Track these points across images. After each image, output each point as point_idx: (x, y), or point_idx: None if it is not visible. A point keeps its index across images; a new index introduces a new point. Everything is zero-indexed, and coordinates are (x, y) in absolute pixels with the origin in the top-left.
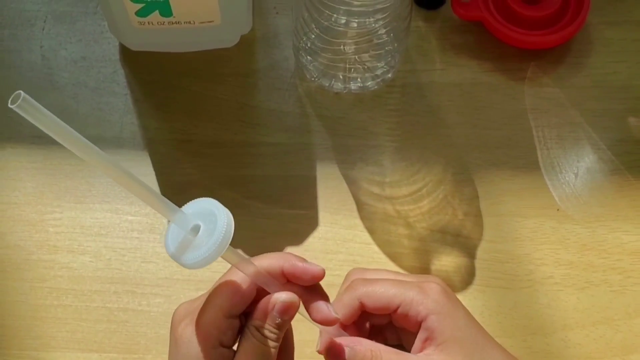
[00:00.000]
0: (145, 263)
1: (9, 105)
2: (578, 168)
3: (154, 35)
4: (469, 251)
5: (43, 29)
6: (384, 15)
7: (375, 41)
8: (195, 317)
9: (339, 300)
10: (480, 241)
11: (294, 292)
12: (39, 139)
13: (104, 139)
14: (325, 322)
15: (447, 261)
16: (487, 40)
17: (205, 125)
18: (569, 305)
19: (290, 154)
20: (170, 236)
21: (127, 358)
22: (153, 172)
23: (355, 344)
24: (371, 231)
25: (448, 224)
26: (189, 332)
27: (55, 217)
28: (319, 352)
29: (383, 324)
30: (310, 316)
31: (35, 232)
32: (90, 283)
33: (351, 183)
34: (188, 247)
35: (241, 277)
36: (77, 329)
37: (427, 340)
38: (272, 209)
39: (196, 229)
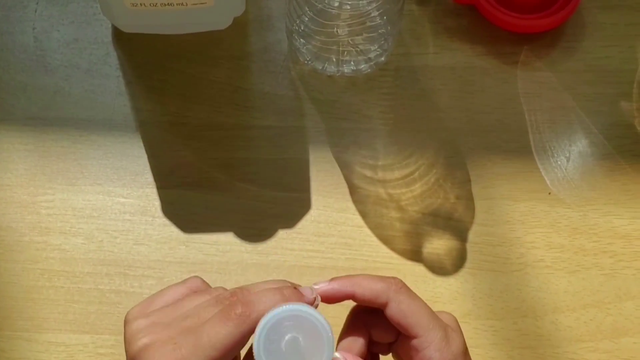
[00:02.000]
0: (137, 245)
1: None
2: (570, 152)
3: (146, 17)
4: (461, 234)
5: (35, 11)
6: None
7: (369, 24)
8: (155, 337)
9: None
10: (471, 224)
11: None
12: (32, 121)
13: (96, 121)
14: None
15: (438, 244)
16: (480, 24)
17: (198, 108)
18: (559, 288)
19: (283, 137)
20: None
21: (118, 339)
22: (145, 155)
23: None
24: (363, 214)
25: (440, 207)
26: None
27: (48, 199)
28: None
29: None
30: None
31: (27, 214)
32: (82, 265)
33: (344, 166)
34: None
35: (241, 332)
36: (69, 310)
37: None
38: (264, 191)
39: (293, 342)
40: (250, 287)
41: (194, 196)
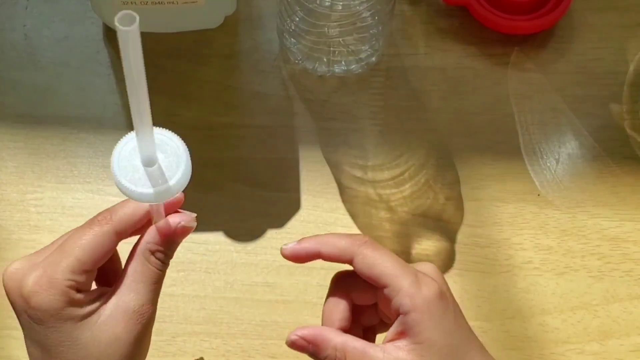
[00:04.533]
0: (126, 244)
1: (117, 24)
2: (559, 154)
3: (137, 15)
4: (450, 235)
5: (26, 8)
6: None
7: (360, 24)
8: (52, 271)
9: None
10: (460, 225)
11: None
12: (22, 118)
13: (87, 119)
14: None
15: (427, 245)
16: (471, 25)
17: (188, 107)
18: (547, 290)
19: (273, 136)
20: (117, 157)
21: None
22: None
23: (319, 338)
24: (353, 215)
25: (429, 208)
26: (45, 286)
27: (37, 197)
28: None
29: (367, 304)
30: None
31: (16, 212)
32: None
33: (334, 166)
34: (140, 175)
35: (106, 233)
36: None
37: (402, 334)
38: (254, 191)
39: (153, 160)
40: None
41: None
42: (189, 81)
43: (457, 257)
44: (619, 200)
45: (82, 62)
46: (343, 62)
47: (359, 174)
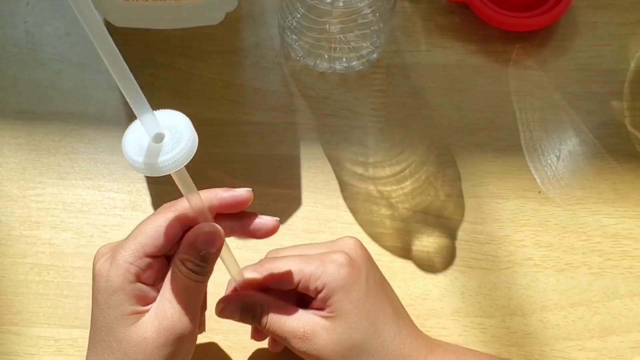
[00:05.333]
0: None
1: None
2: (560, 151)
3: (138, 11)
4: (450, 232)
5: (27, 4)
6: None
7: (361, 21)
8: (115, 253)
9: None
10: (461, 222)
11: (225, 227)
12: (23, 115)
13: (88, 116)
14: (268, 233)
15: (428, 242)
16: (472, 22)
17: (189, 103)
18: (548, 286)
19: (275, 133)
20: (129, 138)
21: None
22: None
23: (246, 297)
24: (354, 211)
25: (430, 205)
26: (107, 267)
27: (38, 193)
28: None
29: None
30: (253, 235)
31: (17, 208)
32: (72, 259)
33: (335, 163)
34: (148, 153)
35: (168, 219)
36: (59, 304)
37: (320, 308)
38: (255, 187)
39: (160, 136)
40: None
41: None
42: (190, 78)
43: (458, 253)
44: (619, 197)
45: (83, 59)
46: (344, 59)
47: (360, 170)
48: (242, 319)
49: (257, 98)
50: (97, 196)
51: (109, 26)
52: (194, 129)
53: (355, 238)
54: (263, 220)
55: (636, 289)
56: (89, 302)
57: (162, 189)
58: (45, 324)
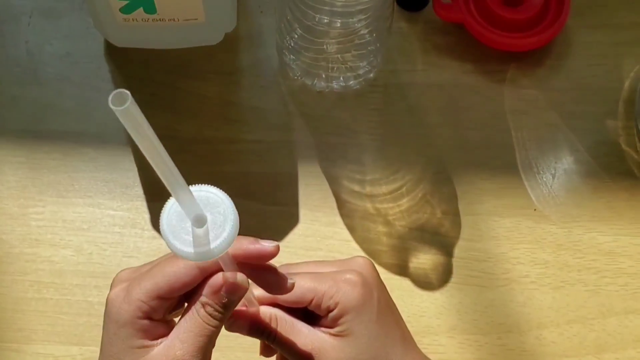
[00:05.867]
0: (127, 258)
1: (110, 105)
2: (555, 169)
3: (138, 31)
4: (447, 249)
5: (28, 24)
6: (366, 16)
7: (358, 41)
8: (131, 287)
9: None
10: (457, 240)
11: (245, 273)
12: (23, 133)
13: (88, 135)
14: (283, 292)
15: (425, 259)
16: (468, 42)
17: (188, 122)
18: (544, 304)
19: (272, 151)
20: (166, 219)
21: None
22: (135, 168)
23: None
24: (351, 229)
25: (427, 222)
26: (121, 298)
27: (38, 211)
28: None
29: None
30: (267, 291)
31: (17, 226)
32: (71, 277)
33: (332, 181)
34: (188, 237)
35: (189, 266)
36: (58, 322)
37: (330, 326)
38: (253, 205)
39: (200, 219)
40: None
41: None
42: (190, 97)
43: (455, 271)
44: (614, 215)
45: (83, 78)
46: (341, 78)
47: (357, 188)
48: (250, 334)
49: (256, 117)
50: (97, 214)
51: (109, 46)
52: (232, 203)
53: (367, 258)
54: (278, 279)
55: (631, 306)
56: (88, 319)
57: (160, 206)
58: (44, 341)
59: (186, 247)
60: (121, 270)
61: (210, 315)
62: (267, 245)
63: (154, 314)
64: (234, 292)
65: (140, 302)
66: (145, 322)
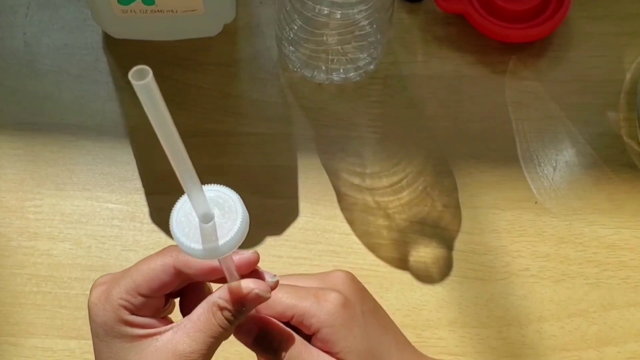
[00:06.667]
0: (126, 251)
1: (130, 79)
2: (557, 161)
3: (136, 23)
4: (447, 243)
5: (26, 16)
6: (366, 7)
7: (358, 32)
8: (110, 287)
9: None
10: (458, 233)
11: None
12: (21, 126)
13: (86, 127)
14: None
15: (425, 252)
16: (469, 33)
17: (187, 114)
18: (544, 297)
19: (272, 143)
20: (176, 216)
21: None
22: (134, 160)
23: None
24: (351, 222)
25: (427, 215)
26: (102, 300)
27: (36, 204)
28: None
29: None
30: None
31: (15, 219)
32: (70, 270)
33: (332, 174)
34: (197, 234)
35: (165, 265)
36: (56, 315)
37: (322, 348)
38: (252, 198)
39: (208, 216)
40: None
41: None
42: (188, 89)
43: (455, 264)
44: (615, 207)
45: (81, 70)
46: (341, 70)
47: (357, 181)
48: (254, 344)
49: (255, 109)
50: (95, 207)
51: (107, 37)
52: (239, 198)
53: (345, 272)
54: (266, 278)
55: (633, 299)
56: (86, 312)
57: (159, 199)
58: (43, 334)
59: (194, 244)
60: (100, 277)
61: (226, 319)
62: (246, 253)
63: (139, 311)
64: (255, 303)
65: (122, 300)
66: (132, 317)
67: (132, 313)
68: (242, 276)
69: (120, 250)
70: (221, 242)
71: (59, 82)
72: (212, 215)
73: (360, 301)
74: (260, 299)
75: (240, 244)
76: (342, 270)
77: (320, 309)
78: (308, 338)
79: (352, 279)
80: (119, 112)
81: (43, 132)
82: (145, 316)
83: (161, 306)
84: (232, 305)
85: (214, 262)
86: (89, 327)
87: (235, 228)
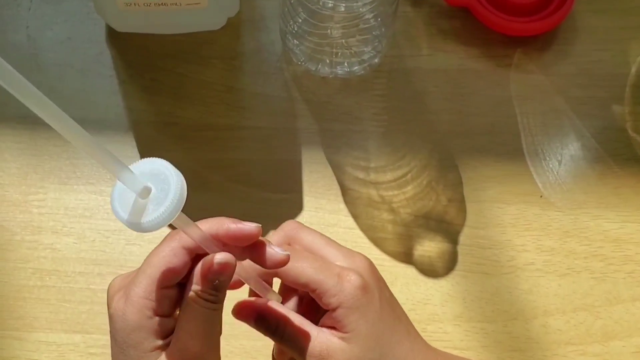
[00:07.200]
0: (130, 245)
1: None
2: (562, 155)
3: (140, 16)
4: (452, 237)
5: (29, 9)
6: (370, 0)
7: (362, 26)
8: (128, 290)
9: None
10: (463, 227)
11: (233, 253)
12: (24, 119)
13: (89, 121)
14: (277, 265)
15: (430, 247)
16: (473, 27)
17: (191, 108)
18: (549, 291)
19: (276, 137)
20: (117, 197)
21: (109, 339)
22: (137, 155)
23: (264, 307)
24: (355, 216)
25: (432, 209)
26: (122, 305)
27: (40, 198)
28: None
29: None
30: (262, 265)
31: (19, 213)
32: (73, 264)
33: (336, 168)
34: (138, 210)
35: (173, 248)
36: (60, 310)
37: (332, 326)
38: (256, 192)
39: (146, 191)
40: None
41: None
42: (192, 82)
43: (460, 258)
44: (621, 201)
45: (84, 64)
46: (346, 64)
47: (361, 175)
48: (256, 326)
49: (258, 103)
50: (99, 201)
51: (110, 31)
52: (180, 177)
53: (368, 259)
54: (273, 251)
55: (638, 293)
56: (90, 307)
57: None
58: (47, 329)
59: (126, 214)
60: (111, 281)
61: (206, 300)
62: (249, 225)
63: (161, 309)
64: (223, 272)
65: (143, 299)
66: (156, 320)
67: (155, 313)
68: (244, 250)
69: (125, 244)
70: (145, 219)
71: (62, 76)
72: (149, 189)
73: (379, 289)
74: (226, 267)
75: (171, 220)
76: (365, 256)
77: (342, 289)
78: (323, 312)
79: (373, 267)
80: (122, 105)
81: (46, 126)
82: (166, 315)
83: (179, 298)
84: (204, 285)
85: (211, 231)
86: (94, 322)
87: (164, 206)
